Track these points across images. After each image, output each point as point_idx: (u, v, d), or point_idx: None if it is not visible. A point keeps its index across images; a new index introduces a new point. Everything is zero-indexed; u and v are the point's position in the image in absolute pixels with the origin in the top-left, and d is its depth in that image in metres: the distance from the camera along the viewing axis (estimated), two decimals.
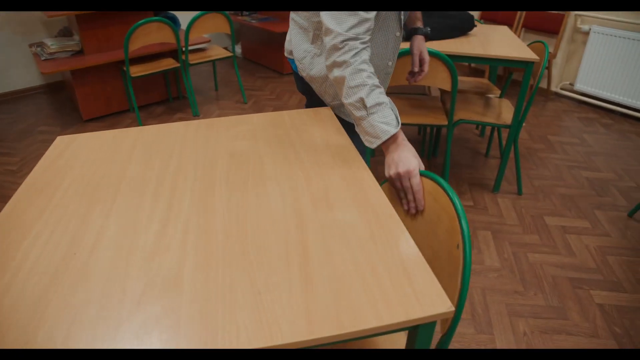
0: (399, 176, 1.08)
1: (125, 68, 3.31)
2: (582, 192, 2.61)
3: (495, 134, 3.08)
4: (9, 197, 2.69)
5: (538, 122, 3.52)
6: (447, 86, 2.16)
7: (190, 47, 3.83)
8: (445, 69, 2.11)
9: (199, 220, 0.95)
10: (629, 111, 3.61)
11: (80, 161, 1.21)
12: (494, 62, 2.23)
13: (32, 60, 4.23)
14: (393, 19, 1.32)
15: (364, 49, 1.14)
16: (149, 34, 3.24)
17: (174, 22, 3.74)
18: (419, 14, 1.59)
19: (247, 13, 4.79)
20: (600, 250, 2.15)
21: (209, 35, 4.66)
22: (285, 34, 4.27)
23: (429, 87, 3.05)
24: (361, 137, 1.17)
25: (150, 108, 3.84)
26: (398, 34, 1.36)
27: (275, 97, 4.02)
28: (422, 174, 1.07)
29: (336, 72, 1.16)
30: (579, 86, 3.82)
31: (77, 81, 3.47)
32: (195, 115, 3.65)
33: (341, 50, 1.13)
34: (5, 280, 0.81)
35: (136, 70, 3.36)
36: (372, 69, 1.15)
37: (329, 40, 1.15)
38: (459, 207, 0.93)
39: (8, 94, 4.22)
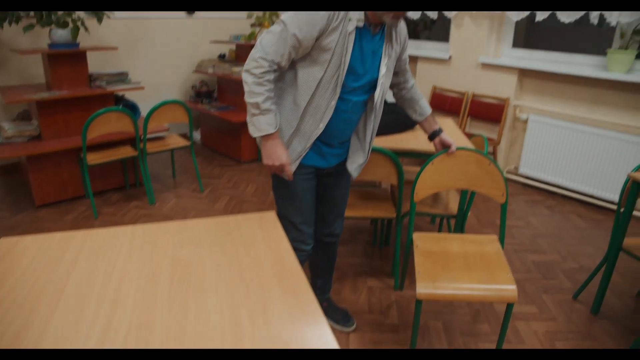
0: (273, 168, 1.60)
1: (82, 155, 3.32)
2: (529, 276, 2.70)
3: (445, 221, 3.20)
4: None
5: (486, 207, 3.68)
6: (393, 180, 2.27)
7: (148, 136, 3.89)
8: (392, 164, 2.23)
9: (138, 335, 0.95)
10: (569, 193, 3.84)
11: (22, 266, 1.21)
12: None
13: None
14: (331, 90, 1.56)
15: (270, 72, 1.51)
16: (108, 122, 3.30)
17: (134, 110, 3.83)
18: (430, 120, 1.99)
19: (207, 101, 4.95)
20: (547, 336, 2.20)
21: (168, 124, 4.73)
22: (242, 123, 4.41)
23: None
24: (248, 126, 1.58)
25: (106, 195, 3.82)
26: (333, 102, 1.58)
27: (232, 186, 4.08)
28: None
29: (246, 77, 1.52)
30: (523, 170, 4.06)
31: (32, 166, 3.44)
32: (152, 204, 3.65)
33: (256, 63, 1.49)
34: None
35: (93, 158, 3.38)
36: (270, 87, 1.52)
37: (252, 53, 1.50)
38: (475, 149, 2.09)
39: None
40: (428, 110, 1.97)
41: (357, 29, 1.53)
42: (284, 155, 1.58)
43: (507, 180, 4.18)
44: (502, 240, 2.04)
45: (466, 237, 2.08)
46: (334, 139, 1.73)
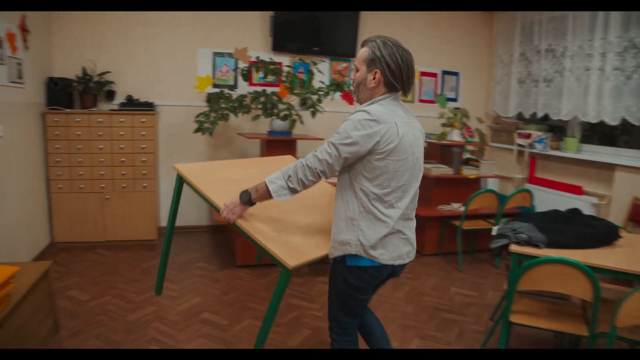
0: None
1: None
2: None
3: None
4: (167, 320, 3.06)
5: None
6: (587, 297, 2.18)
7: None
8: (586, 280, 2.16)
9: None
10: None
11: None
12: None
13: (204, 203, 5.06)
14: None
15: None
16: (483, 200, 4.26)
17: None
18: None
19: None
20: None
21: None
22: (427, 217, 4.56)
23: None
24: None
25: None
26: None
27: (413, 277, 4.15)
28: None
29: None
30: None
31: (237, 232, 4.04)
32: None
33: None
34: None
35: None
36: None
37: None
38: None
39: (181, 228, 5.07)
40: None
41: None
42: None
43: None
44: None
45: None
46: None
